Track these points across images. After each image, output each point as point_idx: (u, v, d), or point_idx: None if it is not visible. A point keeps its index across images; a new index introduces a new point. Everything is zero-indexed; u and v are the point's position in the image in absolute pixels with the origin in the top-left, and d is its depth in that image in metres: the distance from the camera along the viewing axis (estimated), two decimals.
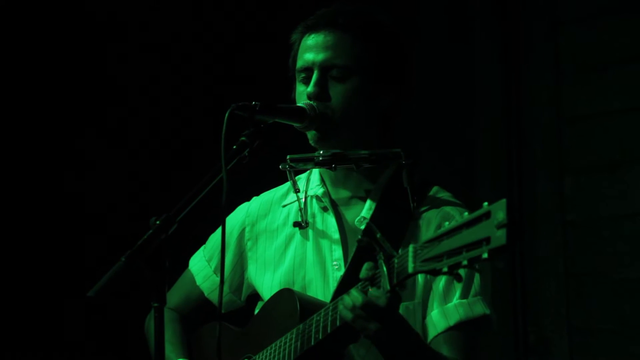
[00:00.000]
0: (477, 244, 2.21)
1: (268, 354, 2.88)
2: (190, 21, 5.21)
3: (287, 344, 2.80)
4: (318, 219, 3.03)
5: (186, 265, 3.27)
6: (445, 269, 2.28)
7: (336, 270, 2.94)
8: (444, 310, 2.84)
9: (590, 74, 4.75)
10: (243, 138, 2.70)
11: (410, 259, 2.40)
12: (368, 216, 2.92)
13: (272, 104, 2.80)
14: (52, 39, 5.03)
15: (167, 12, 5.16)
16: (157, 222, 2.49)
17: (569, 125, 4.79)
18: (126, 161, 5.11)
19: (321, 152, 2.92)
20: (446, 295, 2.86)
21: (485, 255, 2.19)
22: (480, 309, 2.86)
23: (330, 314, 2.67)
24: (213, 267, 3.22)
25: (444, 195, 2.99)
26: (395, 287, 2.47)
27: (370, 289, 2.54)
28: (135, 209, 4.88)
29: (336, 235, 2.98)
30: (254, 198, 3.22)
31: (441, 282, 2.87)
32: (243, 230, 3.17)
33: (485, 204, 2.23)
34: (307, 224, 3.02)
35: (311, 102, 2.90)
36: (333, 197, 3.03)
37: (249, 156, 2.70)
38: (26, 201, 4.96)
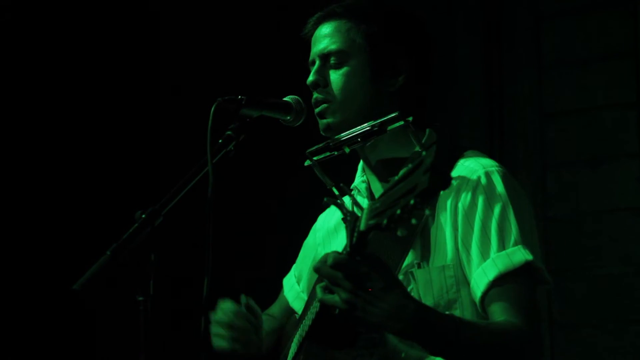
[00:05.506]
0: (408, 192, 2.15)
1: (300, 328, 2.89)
2: (182, 15, 5.22)
3: (306, 320, 2.82)
4: (358, 208, 3.00)
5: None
6: (385, 222, 2.21)
7: None
8: (482, 268, 2.66)
9: (573, 69, 4.76)
10: (229, 132, 2.70)
11: (365, 216, 2.34)
12: None
13: (258, 98, 2.80)
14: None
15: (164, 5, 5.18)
16: (143, 216, 2.49)
17: (550, 120, 4.80)
18: (112, 155, 5.12)
19: (334, 137, 2.87)
20: (484, 254, 2.68)
21: (412, 202, 2.12)
22: (521, 256, 2.65)
23: None
24: (297, 275, 3.30)
25: (474, 154, 2.86)
26: (355, 246, 2.37)
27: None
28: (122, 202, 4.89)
29: None
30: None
31: (474, 239, 2.70)
32: (315, 237, 3.22)
33: (424, 152, 2.18)
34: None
35: (297, 97, 2.90)
36: (371, 183, 2.97)
37: (234, 150, 2.70)
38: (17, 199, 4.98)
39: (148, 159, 5.15)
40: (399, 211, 2.16)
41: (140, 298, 2.47)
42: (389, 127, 2.78)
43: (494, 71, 4.95)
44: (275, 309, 3.36)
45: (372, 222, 2.28)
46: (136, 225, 2.48)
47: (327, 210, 3.22)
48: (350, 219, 2.42)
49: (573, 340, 4.66)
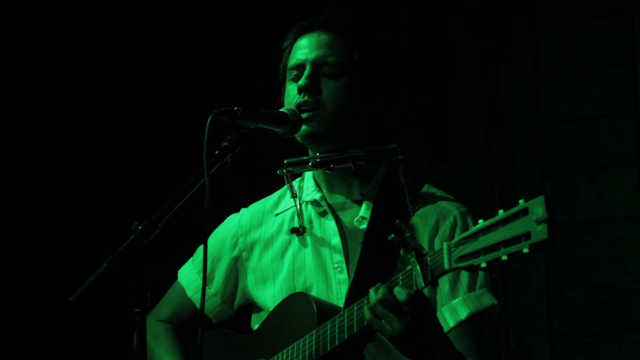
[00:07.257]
0: (515, 240, 2.25)
1: (285, 357, 2.87)
2: (180, 21, 5.22)
3: (307, 345, 2.80)
4: (315, 224, 3.04)
5: (170, 272, 3.26)
6: (483, 265, 2.31)
7: (338, 272, 2.96)
8: (453, 305, 2.86)
9: (570, 78, 4.77)
10: (225, 143, 2.70)
11: (445, 255, 2.42)
12: (367, 216, 2.94)
13: (255, 110, 2.80)
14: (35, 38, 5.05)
15: (157, 12, 5.18)
16: (139, 228, 2.48)
17: (548, 129, 4.81)
18: (111, 165, 5.13)
19: (317, 154, 2.95)
20: (453, 291, 2.88)
21: (526, 250, 2.23)
22: (488, 300, 2.88)
23: (355, 313, 2.67)
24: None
25: (436, 191, 3.02)
26: (429, 283, 2.49)
27: (396, 287, 2.55)
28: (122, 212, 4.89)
29: (336, 238, 2.99)
30: (243, 210, 3.23)
31: (447, 279, 2.88)
32: (237, 241, 3.18)
33: (522, 201, 2.26)
34: (304, 229, 3.04)
35: (293, 108, 2.92)
36: (329, 201, 3.05)
37: (230, 161, 2.70)
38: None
39: (145, 171, 5.15)
40: (505, 257, 2.28)
41: (137, 309, 2.46)
42: (383, 158, 2.94)
43: (492, 80, 4.95)
44: (168, 310, 3.25)
45: (462, 264, 2.38)
46: (132, 236, 2.47)
47: (252, 214, 3.19)
48: (417, 255, 2.51)
49: (572, 349, 4.66)
